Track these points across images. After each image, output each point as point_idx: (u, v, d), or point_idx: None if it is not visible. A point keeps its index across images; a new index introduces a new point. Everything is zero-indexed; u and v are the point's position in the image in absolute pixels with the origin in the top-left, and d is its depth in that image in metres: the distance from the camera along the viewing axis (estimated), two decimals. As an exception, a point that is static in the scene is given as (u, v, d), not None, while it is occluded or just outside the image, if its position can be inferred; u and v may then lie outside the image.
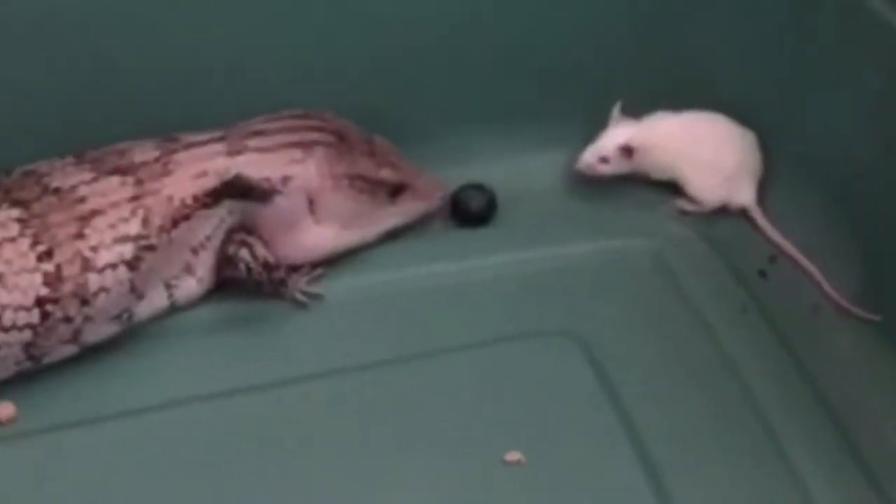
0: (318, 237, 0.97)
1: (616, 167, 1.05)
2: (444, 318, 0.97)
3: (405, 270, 1.01)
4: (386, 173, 0.98)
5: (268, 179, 0.93)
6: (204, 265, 0.95)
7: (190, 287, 0.95)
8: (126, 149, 0.94)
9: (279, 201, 0.94)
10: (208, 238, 0.94)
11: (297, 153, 0.95)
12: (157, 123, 0.95)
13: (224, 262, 0.95)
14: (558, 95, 1.08)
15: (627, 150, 1.04)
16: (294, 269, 0.98)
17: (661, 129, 1.05)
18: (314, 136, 0.97)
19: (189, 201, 0.92)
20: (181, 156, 0.93)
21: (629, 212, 1.06)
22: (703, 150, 1.06)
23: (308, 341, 0.96)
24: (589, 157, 1.05)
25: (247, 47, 1.01)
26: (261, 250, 0.95)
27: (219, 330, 0.96)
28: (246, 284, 0.95)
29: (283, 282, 0.97)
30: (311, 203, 0.95)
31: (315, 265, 0.99)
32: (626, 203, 1.06)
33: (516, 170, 1.06)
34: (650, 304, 0.99)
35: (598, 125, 1.06)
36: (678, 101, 1.07)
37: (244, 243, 0.94)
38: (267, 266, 0.95)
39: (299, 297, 0.98)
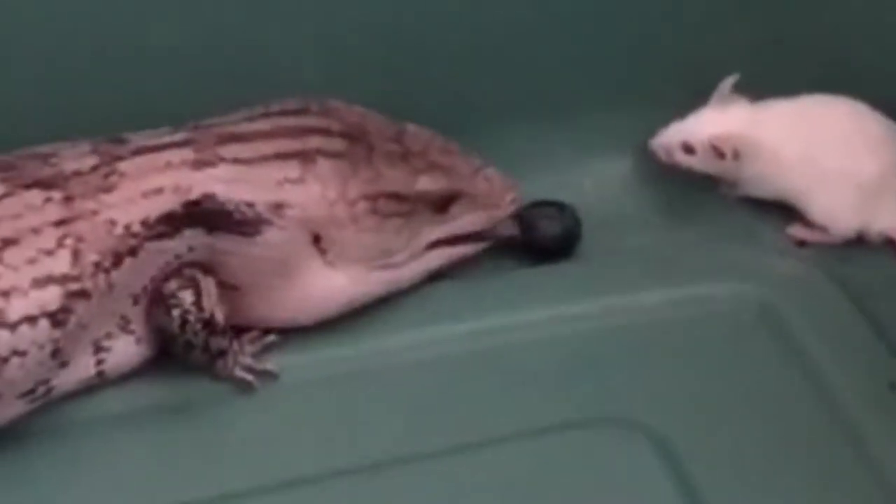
0: (331, 287, 0.80)
1: (703, 163, 0.89)
2: (465, 403, 0.80)
3: (403, 334, 0.83)
4: (426, 182, 0.81)
5: (251, 205, 0.77)
6: (145, 319, 0.79)
7: (125, 351, 0.79)
8: (52, 153, 0.78)
9: (269, 237, 0.77)
10: (153, 280, 0.78)
11: (292, 168, 0.78)
12: (96, 119, 0.81)
13: (154, 303, 0.78)
14: (640, 78, 0.93)
15: (719, 151, 0.88)
16: (237, 334, 0.80)
17: (773, 122, 0.89)
18: (316, 141, 0.80)
19: (136, 228, 0.76)
20: (128, 164, 0.77)
21: (726, 241, 0.90)
22: (832, 154, 0.88)
23: (254, 441, 0.79)
24: (669, 137, 0.89)
25: (224, 10, 0.87)
26: (209, 300, 0.78)
27: (136, 422, 0.79)
28: (170, 345, 0.78)
29: (222, 353, 0.79)
30: (318, 239, 0.79)
31: (266, 330, 0.81)
32: (721, 226, 0.90)
33: (572, 178, 0.91)
34: (754, 377, 0.82)
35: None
36: (808, 86, 0.90)
37: (192, 283, 0.78)
38: (209, 325, 0.78)
39: (241, 373, 0.80)
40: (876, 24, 0.92)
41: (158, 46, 0.86)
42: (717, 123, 0.88)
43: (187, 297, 0.77)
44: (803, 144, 0.88)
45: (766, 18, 0.92)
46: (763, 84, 0.89)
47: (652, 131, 0.90)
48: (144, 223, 0.75)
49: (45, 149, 0.78)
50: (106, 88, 0.86)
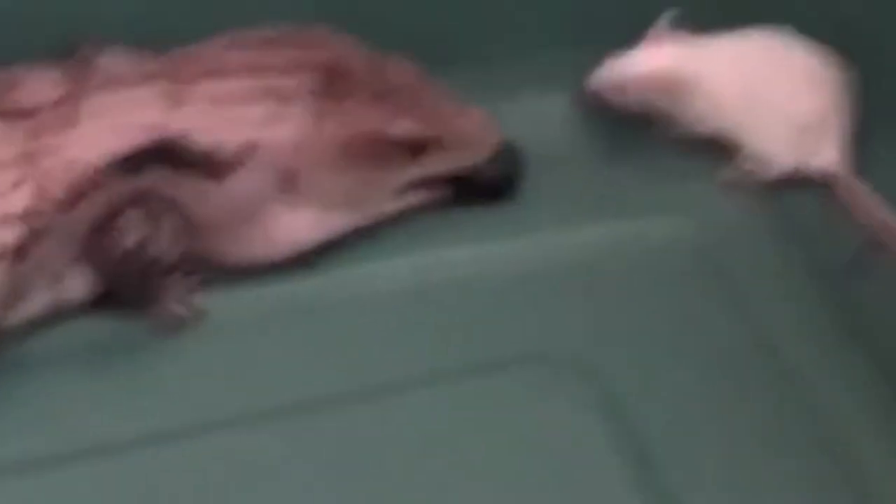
0: (297, 228, 0.78)
1: (638, 103, 0.86)
2: (396, 340, 0.78)
3: (335, 271, 0.80)
4: (404, 125, 0.78)
5: (224, 146, 0.74)
6: None
7: (80, 281, 0.76)
8: (17, 80, 0.76)
9: (237, 179, 0.75)
10: (116, 212, 0.75)
11: (268, 106, 0.75)
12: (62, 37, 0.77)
13: (103, 223, 0.74)
14: (579, 14, 0.90)
15: (652, 89, 0.85)
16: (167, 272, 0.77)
17: (710, 57, 0.86)
18: (294, 77, 0.76)
19: (101, 165, 0.73)
20: (95, 98, 0.74)
21: (663, 179, 0.87)
22: (771, 90, 0.85)
23: (191, 376, 0.77)
24: (603, 77, 0.86)
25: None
26: (165, 237, 0.75)
27: (63, 361, 0.76)
28: (105, 269, 0.75)
29: (156, 288, 0.77)
30: (286, 181, 0.76)
31: (192, 269, 0.78)
32: (658, 165, 0.87)
33: (515, 113, 0.85)
34: (690, 314, 0.80)
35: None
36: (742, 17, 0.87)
37: (153, 216, 0.75)
38: (156, 262, 0.75)
39: (173, 307, 0.77)
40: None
41: None
42: (652, 60, 0.85)
43: (144, 227, 0.74)
44: (742, 80, 0.85)
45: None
46: (705, 18, 0.86)
47: (591, 69, 0.87)
48: (108, 160, 0.73)
49: (9, 74, 0.76)
50: (72, 6, 0.81)
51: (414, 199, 0.80)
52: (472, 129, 0.80)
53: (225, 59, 0.76)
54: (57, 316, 0.76)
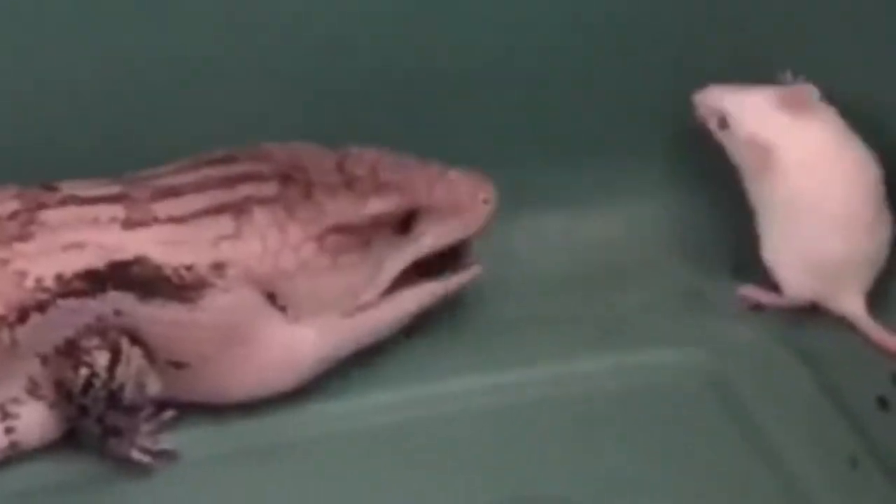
0: (300, 346, 0.73)
1: (730, 149, 0.82)
2: (380, 478, 0.73)
3: (311, 406, 0.75)
4: (376, 205, 0.74)
5: (189, 268, 0.71)
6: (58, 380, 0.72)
7: (37, 419, 0.72)
8: None
9: (212, 301, 0.71)
10: (69, 342, 0.71)
11: (226, 223, 0.72)
12: (28, 167, 0.76)
13: (64, 354, 0.71)
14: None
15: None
16: (132, 410, 0.73)
17: (805, 144, 0.81)
18: (246, 189, 0.73)
19: (48, 283, 0.70)
20: (51, 214, 0.72)
21: (672, 304, 0.83)
22: (809, 213, 0.81)
23: None
24: (713, 102, 0.81)
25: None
26: (124, 371, 0.71)
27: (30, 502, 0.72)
28: (64, 405, 0.72)
29: (117, 431, 0.72)
30: (272, 297, 0.72)
31: (162, 406, 0.74)
32: (666, 289, 0.84)
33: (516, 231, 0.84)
34: (703, 453, 0.75)
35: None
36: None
37: (112, 346, 0.71)
38: (113, 397, 0.71)
39: (138, 456, 0.72)
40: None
41: (93, 95, 0.80)
42: (761, 119, 0.80)
43: (102, 358, 0.71)
44: (811, 186, 0.80)
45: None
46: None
47: (591, 189, 0.85)
48: (59, 278, 0.70)
49: None
50: (39, 136, 0.80)
51: (433, 289, 0.77)
52: (457, 194, 0.76)
53: (178, 179, 0.74)
54: (13, 457, 0.72)
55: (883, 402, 0.76)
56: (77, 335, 0.71)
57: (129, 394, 0.71)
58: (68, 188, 0.73)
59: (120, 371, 0.71)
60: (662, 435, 0.75)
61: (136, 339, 0.71)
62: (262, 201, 0.72)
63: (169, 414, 0.73)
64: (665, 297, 0.83)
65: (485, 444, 0.75)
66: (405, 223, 0.75)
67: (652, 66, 0.85)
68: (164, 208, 0.72)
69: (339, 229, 0.73)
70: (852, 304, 0.80)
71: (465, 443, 0.75)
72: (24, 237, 0.70)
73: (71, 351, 0.71)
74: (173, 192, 0.73)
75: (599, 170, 0.85)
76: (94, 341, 0.71)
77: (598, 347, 0.80)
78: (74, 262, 0.70)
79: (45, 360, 0.71)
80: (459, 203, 0.76)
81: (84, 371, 0.70)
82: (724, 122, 0.80)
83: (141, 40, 0.80)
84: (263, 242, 0.72)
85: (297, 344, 0.73)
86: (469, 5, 0.83)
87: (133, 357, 0.71)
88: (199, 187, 0.73)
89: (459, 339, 0.80)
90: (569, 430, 0.76)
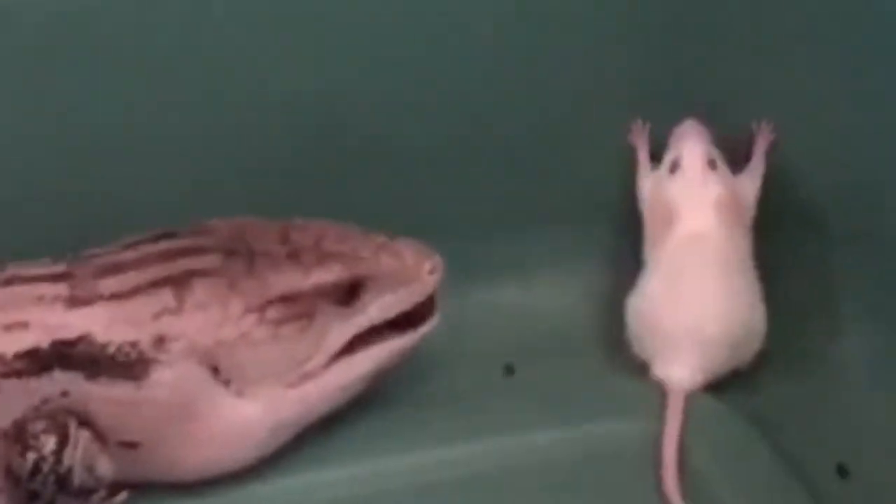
0: (245, 419, 0.72)
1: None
2: None
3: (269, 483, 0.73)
4: (319, 275, 0.72)
5: (134, 344, 0.69)
6: (6, 465, 0.70)
7: None
8: None
9: (158, 377, 0.70)
10: (15, 424, 0.70)
11: (166, 297, 0.71)
12: None
13: (12, 437, 0.69)
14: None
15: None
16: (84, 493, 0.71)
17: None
18: (186, 262, 0.72)
19: None
20: None
21: (624, 372, 0.81)
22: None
23: None
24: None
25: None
26: (71, 454, 0.69)
27: None
28: (13, 490, 0.70)
29: None
30: (216, 371, 0.71)
31: (116, 487, 0.72)
32: (616, 357, 0.82)
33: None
34: None
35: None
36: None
37: (60, 429, 0.69)
38: (62, 481, 0.69)
39: None
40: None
41: (40, 177, 0.79)
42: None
43: (49, 443, 0.69)
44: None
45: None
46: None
47: (545, 259, 0.84)
48: (1, 358, 0.68)
49: None
50: None
51: (379, 355, 0.75)
52: (403, 264, 0.75)
53: (121, 256, 0.72)
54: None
55: (842, 471, 0.75)
56: (24, 418, 0.69)
57: (78, 477, 0.69)
58: (13, 268, 0.72)
59: (67, 454, 0.69)
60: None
61: (84, 421, 0.70)
62: (203, 274, 0.71)
63: (121, 497, 0.71)
64: (618, 366, 0.81)
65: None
66: (350, 293, 0.73)
67: (602, 132, 0.84)
68: (107, 285, 0.71)
69: (281, 300, 0.71)
70: (677, 374, 0.78)
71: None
72: None
73: (18, 435, 0.69)
74: (116, 269, 0.71)
75: (549, 239, 0.84)
76: (41, 425, 0.69)
77: (552, 417, 0.78)
78: (18, 342, 0.69)
79: None
80: (405, 273, 0.74)
81: (31, 455, 0.69)
82: (676, 166, 0.80)
83: (86, 117, 0.78)
84: (204, 315, 0.70)
85: (242, 417, 0.71)
86: (416, 78, 0.82)
87: (81, 439, 0.70)
88: (140, 263, 0.72)
89: (412, 412, 0.78)
90: (525, 501, 0.74)
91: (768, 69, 0.82)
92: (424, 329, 0.76)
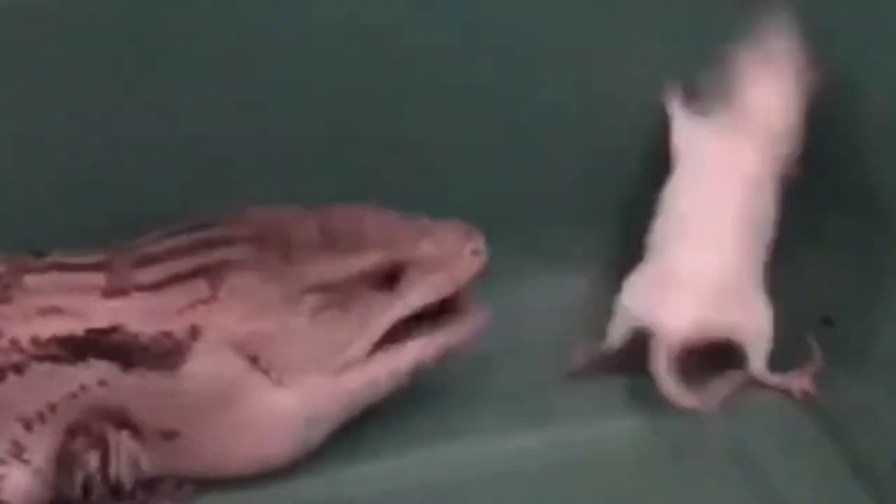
0: (283, 410, 0.70)
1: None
2: None
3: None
4: (357, 262, 0.71)
5: (168, 334, 0.68)
6: (43, 449, 0.69)
7: (19, 481, 0.69)
8: None
9: (194, 367, 0.69)
10: (53, 409, 0.69)
11: (200, 287, 0.69)
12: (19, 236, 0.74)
13: (58, 462, 0.69)
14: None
15: None
16: (148, 486, 0.71)
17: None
18: (220, 253, 0.71)
19: (24, 344, 0.68)
20: (34, 279, 0.70)
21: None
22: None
23: None
24: None
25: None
26: (118, 462, 0.69)
27: None
28: None
29: None
30: (255, 360, 0.69)
31: (182, 478, 0.71)
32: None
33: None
34: None
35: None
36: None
37: (99, 442, 0.69)
38: (116, 491, 0.69)
39: None
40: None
41: (82, 166, 0.79)
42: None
43: (92, 460, 0.69)
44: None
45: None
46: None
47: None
48: (34, 340, 0.68)
49: None
50: (30, 207, 0.78)
51: (424, 345, 0.73)
52: (444, 248, 0.72)
53: (158, 246, 0.72)
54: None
55: None
56: (66, 407, 0.69)
57: (128, 481, 0.69)
58: (56, 256, 0.72)
59: (113, 464, 0.69)
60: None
61: (121, 418, 0.69)
62: (238, 263, 0.70)
63: (188, 487, 0.71)
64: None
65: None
66: (390, 279, 0.71)
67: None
68: (144, 275, 0.70)
69: (319, 288, 0.70)
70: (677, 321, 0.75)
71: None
72: (4, 300, 0.69)
73: (62, 459, 0.69)
74: (153, 259, 0.71)
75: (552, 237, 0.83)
76: (81, 443, 0.69)
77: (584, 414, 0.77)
78: (51, 327, 0.68)
79: (27, 425, 0.69)
80: (447, 256, 0.72)
81: (79, 475, 0.69)
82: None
83: (130, 110, 0.78)
84: (239, 304, 0.69)
85: (283, 406, 0.70)
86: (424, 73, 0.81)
87: (122, 443, 0.69)
88: (175, 253, 0.71)
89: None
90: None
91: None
92: (471, 323, 0.74)
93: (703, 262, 0.76)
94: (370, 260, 0.71)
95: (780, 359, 0.78)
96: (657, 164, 0.82)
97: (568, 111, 0.82)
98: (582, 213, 0.83)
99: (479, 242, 0.72)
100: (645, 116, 0.82)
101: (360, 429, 0.73)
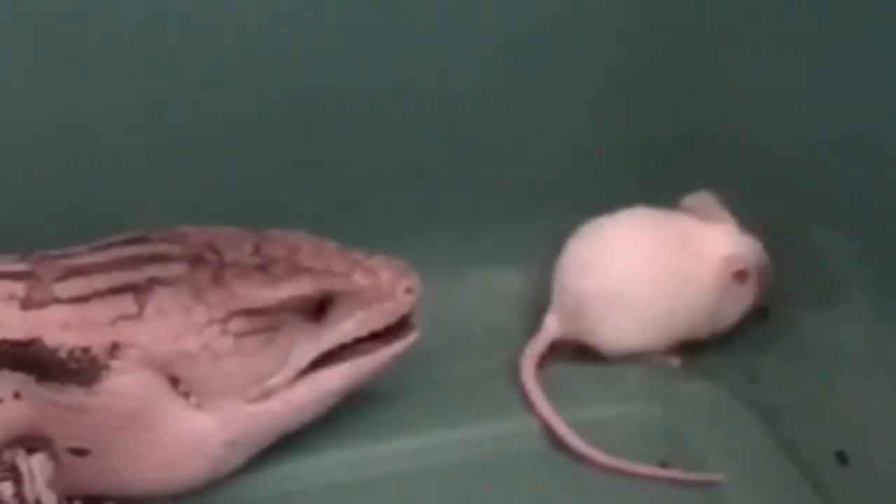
0: (200, 433, 0.69)
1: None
2: None
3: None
4: (288, 289, 0.69)
5: (86, 350, 0.66)
6: None
7: None
8: None
9: (110, 385, 0.66)
10: None
11: (127, 303, 0.67)
12: None
13: None
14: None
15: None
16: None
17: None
18: (152, 270, 0.68)
19: None
20: None
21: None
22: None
23: None
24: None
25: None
26: (32, 486, 0.67)
27: None
28: None
29: None
30: (175, 381, 0.68)
31: (100, 497, 0.69)
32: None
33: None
34: None
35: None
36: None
37: (11, 472, 0.67)
38: None
39: None
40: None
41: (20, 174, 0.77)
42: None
43: (6, 489, 0.66)
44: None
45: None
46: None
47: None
48: None
49: None
50: None
51: (346, 372, 0.72)
52: (378, 282, 0.71)
53: (88, 259, 0.69)
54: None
55: (842, 457, 0.73)
56: None
57: (48, 500, 0.67)
58: None
59: (28, 490, 0.67)
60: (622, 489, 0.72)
61: (36, 439, 0.67)
62: (168, 282, 0.68)
63: None
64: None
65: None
66: (319, 309, 0.70)
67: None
68: (66, 289, 0.68)
69: (247, 312, 0.68)
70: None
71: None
72: None
73: None
74: (79, 272, 0.68)
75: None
76: None
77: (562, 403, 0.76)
78: None
79: None
80: (380, 291, 0.71)
81: None
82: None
83: (71, 116, 0.77)
84: (164, 323, 0.67)
85: (197, 430, 0.68)
86: (403, 71, 0.80)
87: (35, 467, 0.67)
88: (105, 267, 0.69)
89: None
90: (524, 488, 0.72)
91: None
92: (398, 347, 0.73)
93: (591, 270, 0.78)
94: (301, 288, 0.69)
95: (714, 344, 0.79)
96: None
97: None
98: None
99: (413, 280, 0.72)
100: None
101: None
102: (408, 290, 0.72)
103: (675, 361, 0.79)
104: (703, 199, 0.79)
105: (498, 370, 0.78)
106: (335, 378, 0.71)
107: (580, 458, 0.73)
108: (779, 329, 0.79)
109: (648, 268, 0.77)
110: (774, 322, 0.79)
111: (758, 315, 0.79)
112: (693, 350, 0.79)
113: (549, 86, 0.82)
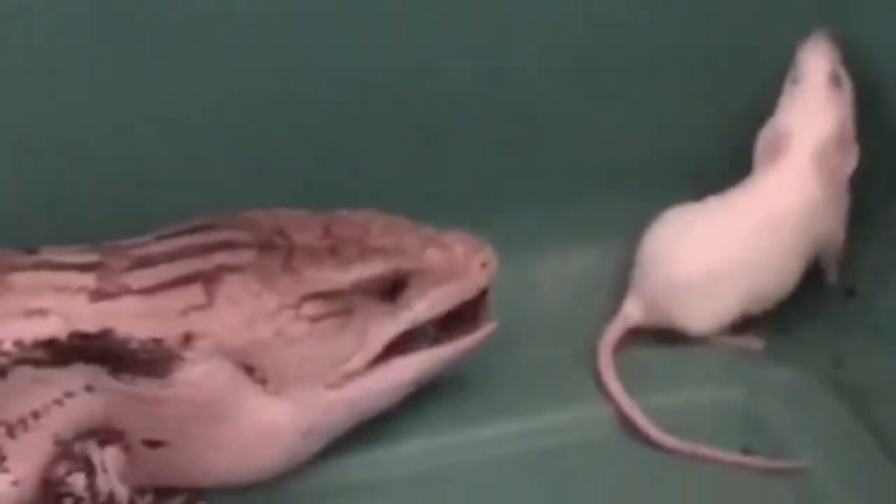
0: (277, 421, 0.67)
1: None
2: None
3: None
4: (360, 270, 0.67)
5: (158, 341, 0.65)
6: (25, 459, 0.66)
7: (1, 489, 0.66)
8: None
9: (183, 375, 0.65)
10: (36, 416, 0.65)
11: (195, 292, 0.66)
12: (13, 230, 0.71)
13: (44, 488, 0.66)
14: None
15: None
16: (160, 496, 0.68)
17: None
18: (219, 257, 0.67)
19: (7, 347, 0.64)
20: (20, 277, 0.66)
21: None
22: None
23: None
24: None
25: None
26: (105, 478, 0.66)
27: None
28: None
29: None
30: (251, 369, 0.66)
31: (191, 491, 0.68)
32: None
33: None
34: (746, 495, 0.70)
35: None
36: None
37: (83, 463, 0.66)
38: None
39: None
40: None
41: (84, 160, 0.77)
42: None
43: (78, 481, 0.66)
44: None
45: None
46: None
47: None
48: (18, 343, 0.64)
49: None
50: (25, 201, 0.76)
51: (428, 358, 0.70)
52: (452, 259, 0.70)
53: (156, 248, 0.68)
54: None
55: None
56: (44, 410, 0.65)
57: (122, 495, 0.66)
58: (47, 252, 0.68)
59: (101, 482, 0.66)
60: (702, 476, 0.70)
61: (107, 432, 0.66)
62: (236, 269, 0.67)
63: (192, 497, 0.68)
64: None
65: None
66: (393, 289, 0.69)
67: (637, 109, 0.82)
68: (136, 279, 0.67)
69: (319, 296, 0.67)
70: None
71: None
72: None
73: (47, 487, 0.66)
74: (148, 262, 0.67)
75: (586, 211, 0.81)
76: (63, 468, 0.66)
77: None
78: (35, 330, 0.65)
79: (9, 430, 0.66)
80: (454, 267, 0.70)
81: (68, 501, 0.65)
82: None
83: (133, 106, 0.76)
84: (235, 311, 0.66)
85: (277, 418, 0.67)
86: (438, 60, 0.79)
87: (108, 460, 0.66)
88: (173, 256, 0.67)
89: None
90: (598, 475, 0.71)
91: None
92: (477, 336, 0.71)
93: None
94: (373, 269, 0.68)
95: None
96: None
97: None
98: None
99: (488, 254, 0.70)
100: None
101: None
102: (483, 265, 0.70)
103: (759, 344, 0.77)
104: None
105: (574, 355, 0.76)
106: (410, 366, 0.69)
107: (657, 445, 0.71)
108: (865, 310, 0.77)
109: (738, 251, 0.76)
110: (860, 303, 0.77)
111: (844, 294, 0.78)
112: (778, 331, 0.77)
113: (633, 65, 0.80)
